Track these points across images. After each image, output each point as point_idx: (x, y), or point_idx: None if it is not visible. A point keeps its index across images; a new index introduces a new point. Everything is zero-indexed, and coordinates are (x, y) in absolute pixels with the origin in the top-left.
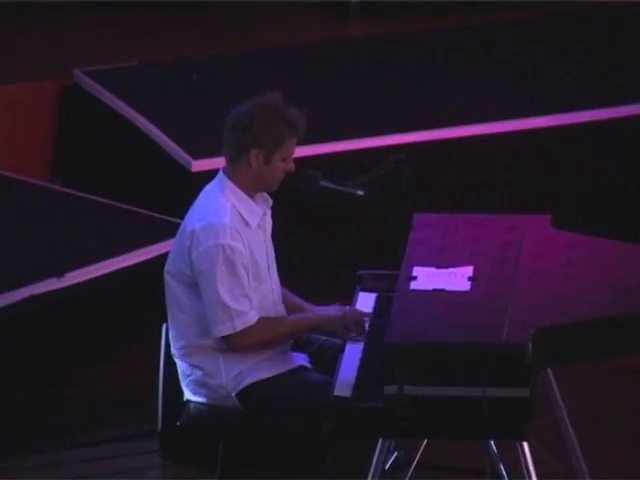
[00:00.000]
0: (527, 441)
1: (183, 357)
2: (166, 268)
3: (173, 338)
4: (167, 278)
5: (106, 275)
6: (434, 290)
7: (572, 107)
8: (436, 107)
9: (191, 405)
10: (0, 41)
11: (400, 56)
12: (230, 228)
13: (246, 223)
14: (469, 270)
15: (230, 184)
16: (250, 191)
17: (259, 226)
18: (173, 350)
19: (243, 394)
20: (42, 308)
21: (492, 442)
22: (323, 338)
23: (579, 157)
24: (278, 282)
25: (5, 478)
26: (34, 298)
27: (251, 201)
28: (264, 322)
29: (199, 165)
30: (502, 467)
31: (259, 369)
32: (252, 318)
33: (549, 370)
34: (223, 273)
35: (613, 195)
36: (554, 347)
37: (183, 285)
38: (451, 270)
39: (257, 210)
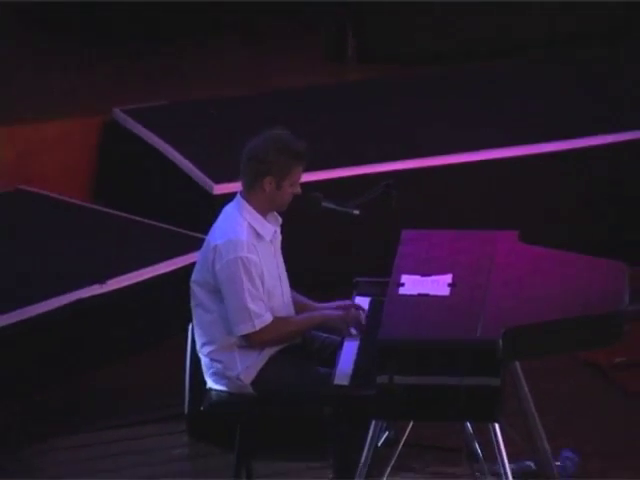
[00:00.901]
0: (498, 423)
1: (205, 353)
2: (193, 278)
3: (198, 336)
4: (193, 287)
5: (141, 282)
6: (419, 295)
7: (546, 138)
8: (421, 139)
9: (213, 393)
10: (52, 81)
11: (390, 97)
12: (247, 243)
13: (261, 238)
14: (449, 278)
15: (246, 206)
16: (263, 211)
17: (271, 241)
18: (197, 346)
19: (258, 384)
20: (87, 309)
21: (468, 424)
22: (324, 336)
23: (552, 182)
24: (288, 287)
25: (45, 456)
26: (80, 301)
27: (264, 220)
28: (278, 321)
29: (220, 189)
30: (477, 445)
31: (264, 360)
32: (268, 318)
33: (517, 363)
34: (243, 281)
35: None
36: (521, 343)
37: (207, 292)
38: (433, 278)
39: (269, 227)
